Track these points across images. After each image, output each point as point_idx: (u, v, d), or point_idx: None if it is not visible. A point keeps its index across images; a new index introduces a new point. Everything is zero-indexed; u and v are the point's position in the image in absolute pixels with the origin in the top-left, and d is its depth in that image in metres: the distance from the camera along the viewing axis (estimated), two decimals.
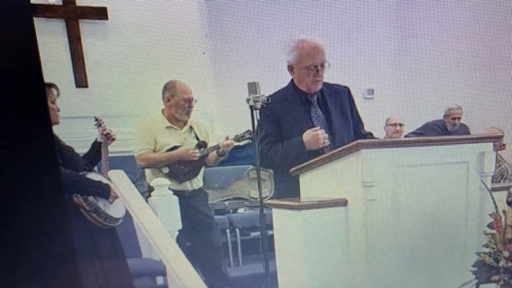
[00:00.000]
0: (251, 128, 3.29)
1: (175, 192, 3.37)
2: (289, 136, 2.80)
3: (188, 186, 3.46)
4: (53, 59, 4.14)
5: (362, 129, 2.97)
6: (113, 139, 2.97)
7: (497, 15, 3.88)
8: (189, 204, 3.44)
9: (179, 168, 3.39)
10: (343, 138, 2.80)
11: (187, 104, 3.39)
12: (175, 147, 3.40)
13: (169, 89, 3.39)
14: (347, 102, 2.92)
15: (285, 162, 2.77)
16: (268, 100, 2.89)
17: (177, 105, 3.38)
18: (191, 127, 3.47)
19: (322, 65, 2.81)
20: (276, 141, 2.83)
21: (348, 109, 2.91)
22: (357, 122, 2.95)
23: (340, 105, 2.89)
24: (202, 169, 3.52)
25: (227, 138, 3.38)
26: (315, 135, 2.75)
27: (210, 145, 3.46)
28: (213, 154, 3.46)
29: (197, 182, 3.50)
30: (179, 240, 3.30)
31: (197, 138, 3.47)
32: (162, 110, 3.45)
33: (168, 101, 3.39)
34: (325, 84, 2.90)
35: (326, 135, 2.77)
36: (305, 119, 2.82)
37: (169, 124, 3.41)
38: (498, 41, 3.83)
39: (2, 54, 1.90)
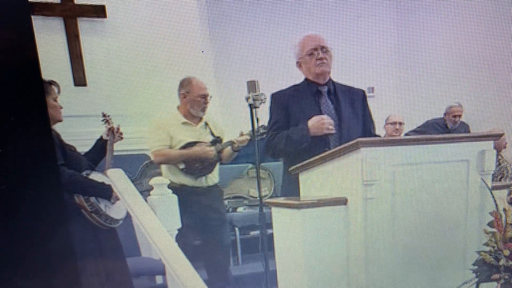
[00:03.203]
0: (250, 126, 3.30)
1: (190, 188, 3.40)
2: (296, 124, 2.85)
3: (204, 182, 3.46)
4: (51, 58, 4.13)
5: (373, 130, 3.00)
6: (121, 138, 2.97)
7: (498, 14, 3.87)
8: (203, 201, 3.45)
9: (195, 164, 3.40)
10: (350, 131, 2.85)
11: (203, 100, 3.42)
12: (190, 143, 3.41)
13: (185, 86, 3.42)
14: (360, 103, 2.97)
15: (290, 149, 2.79)
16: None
17: (193, 101, 3.41)
18: (206, 123, 3.48)
19: (324, 50, 2.89)
20: (283, 128, 2.88)
21: (359, 108, 2.95)
22: (369, 122, 2.98)
23: (352, 102, 2.94)
24: (217, 165, 3.53)
25: (241, 134, 3.40)
26: (320, 120, 2.79)
27: (225, 141, 3.48)
28: (227, 150, 3.47)
29: (213, 178, 3.51)
30: (183, 238, 3.31)
31: (212, 134, 3.49)
32: (178, 107, 3.47)
33: (184, 97, 3.42)
34: (339, 84, 2.97)
35: (332, 122, 2.80)
36: (313, 107, 2.88)
37: (185, 120, 3.43)
38: (499, 39, 3.83)
39: (0, 53, 1.89)
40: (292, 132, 2.82)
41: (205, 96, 3.42)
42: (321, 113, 2.85)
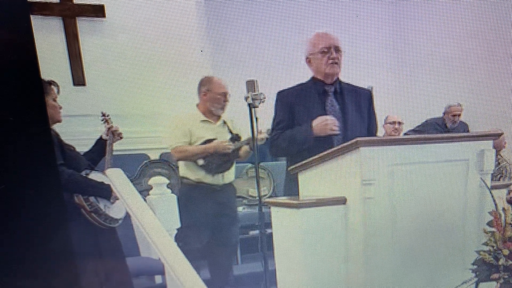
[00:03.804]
0: (249, 126, 3.31)
1: (206, 186, 3.44)
2: (300, 123, 2.83)
3: (220, 179, 3.49)
4: (50, 57, 4.13)
5: (375, 132, 2.99)
6: (121, 137, 2.97)
7: (497, 14, 3.88)
8: (218, 199, 3.49)
9: (214, 160, 3.43)
10: (355, 132, 2.82)
11: (223, 98, 3.46)
12: (209, 140, 3.45)
13: (205, 84, 3.46)
14: (366, 103, 2.95)
15: (293, 149, 2.78)
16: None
17: (213, 99, 3.45)
18: (224, 122, 3.53)
19: (337, 50, 2.87)
20: (287, 128, 2.86)
21: (365, 109, 2.93)
22: (373, 124, 2.96)
23: (358, 103, 2.92)
24: (234, 163, 3.56)
25: (260, 132, 3.42)
26: (324, 120, 2.77)
27: (243, 138, 3.51)
28: (245, 148, 3.50)
29: (229, 176, 3.54)
30: (195, 236, 3.34)
31: (230, 132, 3.53)
32: (197, 105, 3.51)
33: (205, 95, 3.46)
34: (347, 83, 2.95)
35: (336, 123, 2.78)
36: (318, 107, 2.86)
37: (204, 118, 3.47)
38: (499, 39, 3.83)
39: None
40: (296, 132, 2.80)
41: (225, 94, 3.46)
42: (326, 113, 2.83)
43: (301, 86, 2.94)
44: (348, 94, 2.90)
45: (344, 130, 2.82)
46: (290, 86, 2.96)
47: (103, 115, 3.00)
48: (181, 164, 3.51)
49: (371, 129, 2.94)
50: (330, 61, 2.85)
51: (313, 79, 2.93)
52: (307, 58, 2.92)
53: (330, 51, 2.85)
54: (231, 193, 3.60)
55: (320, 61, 2.87)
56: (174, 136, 3.43)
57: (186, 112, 3.48)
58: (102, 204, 2.78)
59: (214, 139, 3.46)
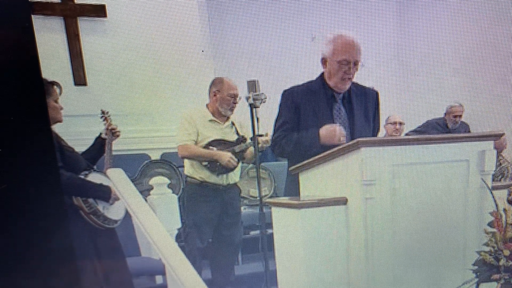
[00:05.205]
0: (250, 126, 3.31)
1: (210, 185, 3.47)
2: (306, 127, 2.78)
3: (224, 180, 3.51)
4: (51, 57, 4.13)
5: (377, 135, 2.96)
6: (118, 136, 2.96)
7: (499, 15, 3.87)
8: (222, 199, 3.51)
9: (218, 161, 3.46)
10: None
11: (232, 100, 3.48)
12: (216, 140, 3.48)
13: (216, 84, 3.49)
14: (372, 106, 2.89)
15: (297, 153, 2.75)
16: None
17: (223, 100, 3.47)
18: (232, 123, 3.55)
19: (355, 64, 2.77)
20: (292, 130, 2.81)
21: (371, 113, 2.88)
22: (376, 127, 2.93)
23: (365, 107, 2.87)
24: (239, 164, 3.58)
25: (266, 134, 3.42)
26: (332, 130, 2.72)
27: (249, 140, 3.52)
28: (251, 150, 3.51)
29: (233, 177, 3.56)
30: (197, 234, 3.36)
31: (238, 134, 3.55)
32: (207, 104, 3.54)
33: (215, 95, 3.49)
34: (354, 84, 2.87)
35: (343, 133, 2.73)
36: (326, 114, 2.80)
37: (212, 118, 3.50)
38: (499, 39, 3.83)
39: (0, 52, 1.89)
40: (302, 138, 2.75)
41: (234, 96, 3.48)
42: (333, 119, 2.78)
43: (309, 85, 2.85)
44: (356, 98, 2.84)
45: (350, 137, 2.76)
46: (293, 85, 2.88)
47: (103, 112, 2.99)
48: (186, 162, 3.53)
49: (375, 132, 2.92)
50: (346, 75, 2.77)
51: (322, 79, 2.84)
52: (322, 58, 2.82)
53: (349, 66, 2.76)
54: (235, 194, 3.61)
55: (335, 72, 2.78)
56: (181, 133, 3.46)
57: (195, 110, 3.51)
58: (101, 206, 2.77)
59: (221, 139, 3.48)
